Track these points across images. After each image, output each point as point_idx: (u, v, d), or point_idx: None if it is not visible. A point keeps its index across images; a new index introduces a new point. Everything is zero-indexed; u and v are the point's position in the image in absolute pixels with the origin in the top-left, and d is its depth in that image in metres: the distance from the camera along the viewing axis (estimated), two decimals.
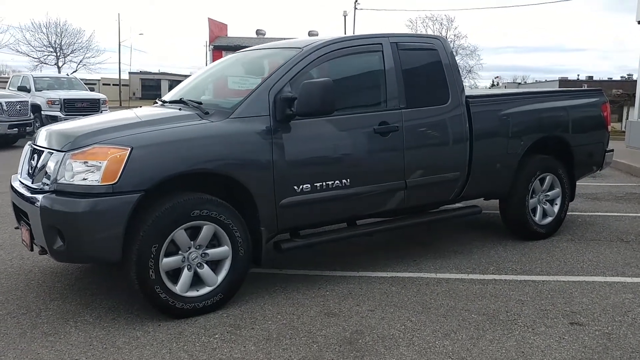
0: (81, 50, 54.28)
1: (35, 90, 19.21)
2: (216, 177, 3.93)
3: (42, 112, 18.22)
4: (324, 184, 4.32)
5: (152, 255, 3.67)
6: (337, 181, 4.38)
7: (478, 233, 6.11)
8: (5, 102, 15.06)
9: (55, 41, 52.73)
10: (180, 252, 3.84)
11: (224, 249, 3.97)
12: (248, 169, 3.99)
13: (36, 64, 51.26)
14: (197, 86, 5.26)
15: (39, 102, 18.26)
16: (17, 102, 15.53)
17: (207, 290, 3.94)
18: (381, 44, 4.80)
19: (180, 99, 4.70)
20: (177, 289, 3.83)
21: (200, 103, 4.41)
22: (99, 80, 62.85)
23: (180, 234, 3.78)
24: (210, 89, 5.15)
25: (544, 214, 5.87)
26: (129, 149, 3.62)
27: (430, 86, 5.04)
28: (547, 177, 5.82)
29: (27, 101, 16.15)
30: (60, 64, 52.52)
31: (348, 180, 4.43)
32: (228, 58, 5.56)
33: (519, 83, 74.53)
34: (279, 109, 4.13)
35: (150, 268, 3.68)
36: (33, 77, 20.28)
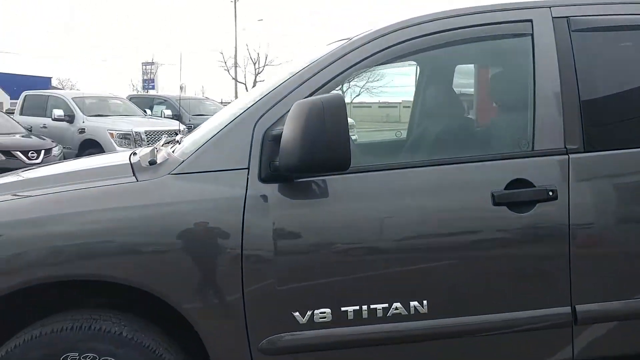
0: (280, 66, 56.16)
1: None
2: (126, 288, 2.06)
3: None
4: (365, 308, 2.09)
5: None
6: (397, 304, 2.10)
7: None
8: (145, 132, 12.99)
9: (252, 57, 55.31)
10: None
11: None
12: (185, 278, 2.01)
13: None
14: None
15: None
16: (160, 130, 12.88)
17: None
18: (531, 20, 2.35)
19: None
20: None
21: (178, 142, 2.59)
22: None
23: None
24: None
25: None
26: None
27: None
28: None
29: (174, 130, 14.63)
30: (258, 79, 54.70)
31: (424, 302, 2.11)
32: None
33: None
34: (267, 157, 2.08)
35: None
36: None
